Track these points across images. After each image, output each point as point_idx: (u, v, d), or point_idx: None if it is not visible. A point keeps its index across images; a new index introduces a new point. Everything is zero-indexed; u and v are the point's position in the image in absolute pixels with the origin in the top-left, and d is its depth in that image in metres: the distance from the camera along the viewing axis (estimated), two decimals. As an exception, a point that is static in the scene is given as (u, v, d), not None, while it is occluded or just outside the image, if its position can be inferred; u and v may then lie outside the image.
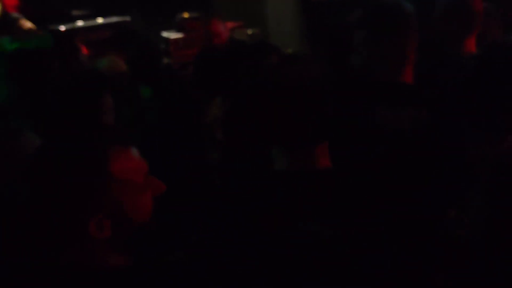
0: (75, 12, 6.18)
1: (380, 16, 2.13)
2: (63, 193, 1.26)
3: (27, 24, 5.08)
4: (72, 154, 1.29)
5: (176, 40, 5.53)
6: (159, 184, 1.37)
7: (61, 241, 1.30)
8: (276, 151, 1.56)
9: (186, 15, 5.66)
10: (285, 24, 6.04)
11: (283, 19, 6.06)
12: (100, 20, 5.87)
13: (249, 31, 5.66)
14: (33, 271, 1.34)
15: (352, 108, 1.95)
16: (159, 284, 1.34)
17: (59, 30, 5.59)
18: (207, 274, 1.42)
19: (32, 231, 1.34)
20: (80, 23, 5.89)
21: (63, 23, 5.80)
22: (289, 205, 1.48)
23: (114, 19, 5.58)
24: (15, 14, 5.28)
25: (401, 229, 1.55)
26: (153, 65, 3.56)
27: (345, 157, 1.64)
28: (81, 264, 1.30)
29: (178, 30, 5.62)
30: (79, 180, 1.27)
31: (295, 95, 1.50)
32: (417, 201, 1.72)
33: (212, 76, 2.72)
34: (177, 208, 1.86)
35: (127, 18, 5.83)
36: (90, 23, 5.82)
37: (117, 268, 1.31)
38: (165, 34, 5.73)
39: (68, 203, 1.27)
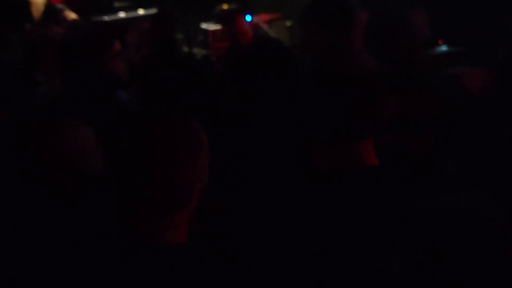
0: (117, 4, 6.29)
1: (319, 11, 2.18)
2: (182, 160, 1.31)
3: (71, 15, 5.20)
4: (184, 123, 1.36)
5: (214, 31, 5.57)
6: None
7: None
8: (318, 148, 1.49)
9: (225, 6, 5.69)
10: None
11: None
12: (141, 11, 5.97)
13: (288, 23, 5.64)
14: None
15: None
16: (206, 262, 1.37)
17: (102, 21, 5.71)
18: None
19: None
20: (122, 14, 6.00)
21: (106, 14, 5.92)
22: (332, 205, 1.42)
23: (154, 10, 5.65)
24: (59, 5, 5.40)
25: None
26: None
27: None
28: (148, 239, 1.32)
29: (217, 21, 5.66)
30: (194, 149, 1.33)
31: (342, 87, 1.43)
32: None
33: (239, 75, 2.73)
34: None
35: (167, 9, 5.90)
36: (131, 14, 5.92)
37: (178, 244, 1.34)
38: (204, 25, 5.78)
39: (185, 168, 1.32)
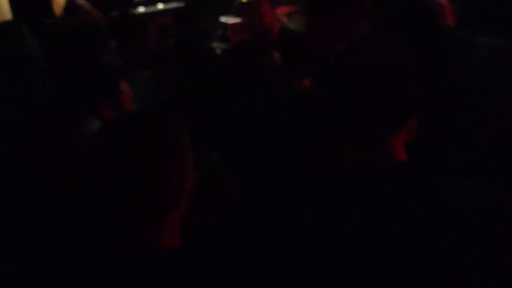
0: (136, -2, 6.34)
1: None
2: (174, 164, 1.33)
3: (92, 11, 5.22)
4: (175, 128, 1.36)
5: (234, 25, 5.56)
6: None
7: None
8: (346, 145, 1.44)
9: (244, 0, 5.67)
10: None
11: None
12: (160, 6, 6.00)
13: (308, 15, 5.58)
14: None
15: None
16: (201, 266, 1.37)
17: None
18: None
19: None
20: (141, 9, 6.03)
21: (126, 8, 5.95)
22: (361, 203, 1.37)
23: (173, 4, 5.68)
24: (80, 1, 5.43)
25: None
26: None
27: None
28: (147, 244, 1.33)
29: (237, 15, 5.65)
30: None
31: (373, 80, 1.35)
32: None
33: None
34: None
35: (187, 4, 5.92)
36: (151, 9, 5.96)
37: (170, 249, 1.35)
38: (223, 19, 5.77)
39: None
